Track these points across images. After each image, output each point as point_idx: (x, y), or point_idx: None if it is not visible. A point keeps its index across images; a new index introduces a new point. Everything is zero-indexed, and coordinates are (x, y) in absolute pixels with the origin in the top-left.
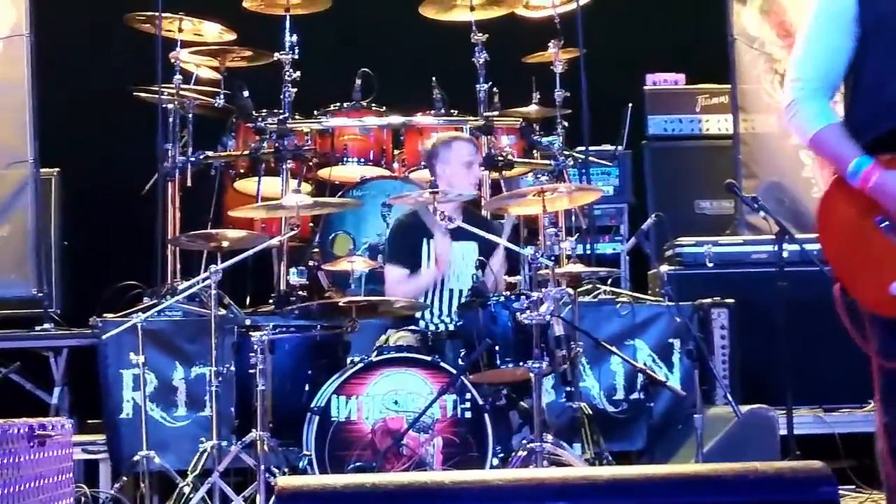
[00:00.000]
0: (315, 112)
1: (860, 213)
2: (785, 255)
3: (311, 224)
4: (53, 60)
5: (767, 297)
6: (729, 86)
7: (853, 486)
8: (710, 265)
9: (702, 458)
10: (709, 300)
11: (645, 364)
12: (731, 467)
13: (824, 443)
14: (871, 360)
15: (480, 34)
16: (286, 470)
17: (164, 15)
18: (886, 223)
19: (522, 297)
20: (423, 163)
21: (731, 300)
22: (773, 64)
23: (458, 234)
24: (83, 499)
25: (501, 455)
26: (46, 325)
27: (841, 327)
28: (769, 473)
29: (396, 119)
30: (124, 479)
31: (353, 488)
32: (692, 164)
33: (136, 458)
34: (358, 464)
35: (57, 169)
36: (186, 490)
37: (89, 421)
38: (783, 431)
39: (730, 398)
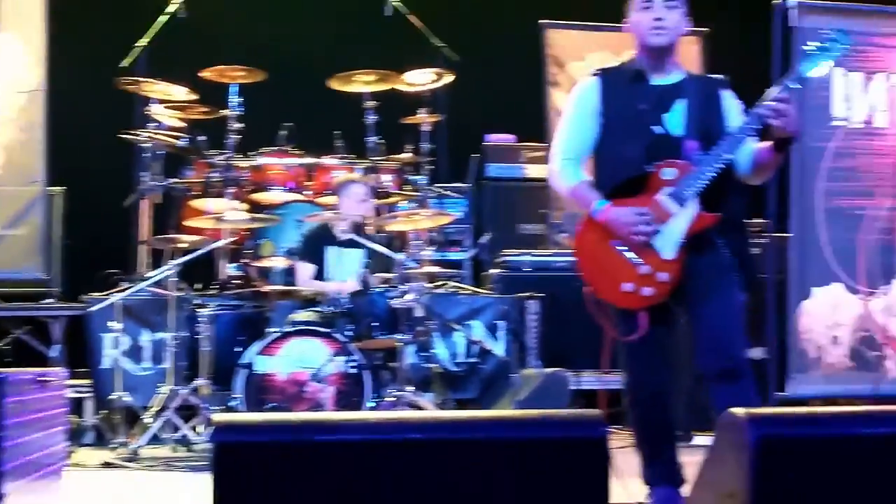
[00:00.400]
0: (251, 152)
1: (601, 238)
2: None
3: (245, 233)
4: (62, 107)
5: (566, 292)
6: (546, 144)
7: (621, 426)
8: (528, 270)
9: (516, 405)
10: (526, 294)
11: (479, 337)
12: (533, 412)
13: (604, 395)
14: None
15: (371, 101)
16: (221, 408)
17: (144, 80)
18: (618, 243)
19: (394, 288)
20: (330, 191)
21: (542, 294)
22: None
23: (350, 244)
24: (74, 426)
25: (376, 400)
26: (50, 300)
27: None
28: (559, 416)
29: (310, 160)
30: (103, 412)
31: (268, 421)
32: (517, 198)
33: (113, 397)
34: (273, 405)
35: (63, 187)
36: (148, 421)
37: (78, 370)
38: (574, 386)
39: (537, 363)
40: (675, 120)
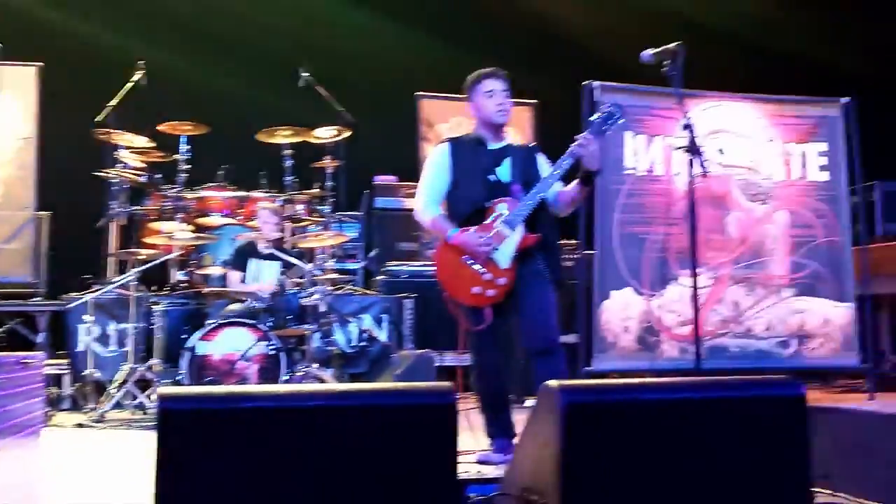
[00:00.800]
0: (196, 187)
1: (455, 255)
2: None
3: (191, 248)
4: (50, 151)
5: (433, 294)
6: (418, 183)
7: (471, 391)
8: (405, 277)
9: (395, 378)
10: (403, 294)
11: (368, 327)
12: (402, 384)
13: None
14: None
15: (289, 150)
16: (170, 382)
17: (114, 132)
18: (468, 258)
19: (304, 290)
20: (254, 217)
21: (416, 294)
22: None
23: (270, 256)
24: (53, 396)
25: (289, 375)
26: (37, 299)
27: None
28: (422, 388)
29: (241, 193)
30: (78, 384)
31: (203, 392)
32: (398, 224)
33: (86, 373)
34: (210, 379)
35: (49, 212)
36: (113, 391)
37: (59, 352)
38: (438, 363)
39: (411, 346)
40: (504, 172)
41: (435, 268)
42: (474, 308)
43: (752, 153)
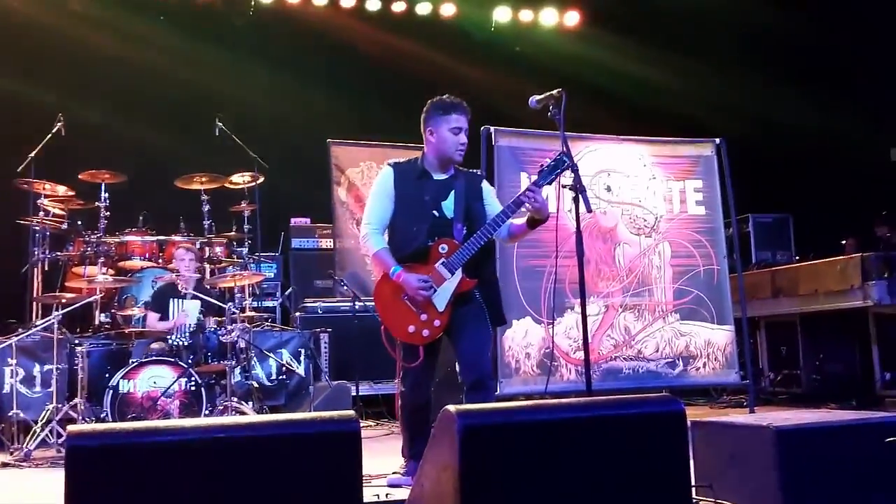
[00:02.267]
0: (117, 232)
1: (394, 292)
2: (358, 306)
3: (113, 290)
4: None
5: (348, 328)
6: (331, 224)
7: (386, 419)
8: (321, 312)
9: (312, 408)
10: (319, 329)
11: (286, 361)
12: (310, 414)
13: (374, 399)
14: (397, 363)
15: (206, 195)
16: (93, 419)
17: (35, 181)
18: (407, 297)
19: (224, 327)
20: (174, 260)
21: (330, 329)
22: (353, 215)
23: (190, 296)
24: None
25: (210, 409)
26: None
27: (371, 338)
28: (327, 417)
29: (161, 237)
30: (3, 425)
31: (108, 428)
32: (313, 262)
33: (10, 413)
34: (133, 415)
35: None
36: (38, 430)
37: None
38: (354, 393)
39: (327, 378)
40: (449, 206)
41: (374, 301)
42: (409, 345)
43: (636, 190)
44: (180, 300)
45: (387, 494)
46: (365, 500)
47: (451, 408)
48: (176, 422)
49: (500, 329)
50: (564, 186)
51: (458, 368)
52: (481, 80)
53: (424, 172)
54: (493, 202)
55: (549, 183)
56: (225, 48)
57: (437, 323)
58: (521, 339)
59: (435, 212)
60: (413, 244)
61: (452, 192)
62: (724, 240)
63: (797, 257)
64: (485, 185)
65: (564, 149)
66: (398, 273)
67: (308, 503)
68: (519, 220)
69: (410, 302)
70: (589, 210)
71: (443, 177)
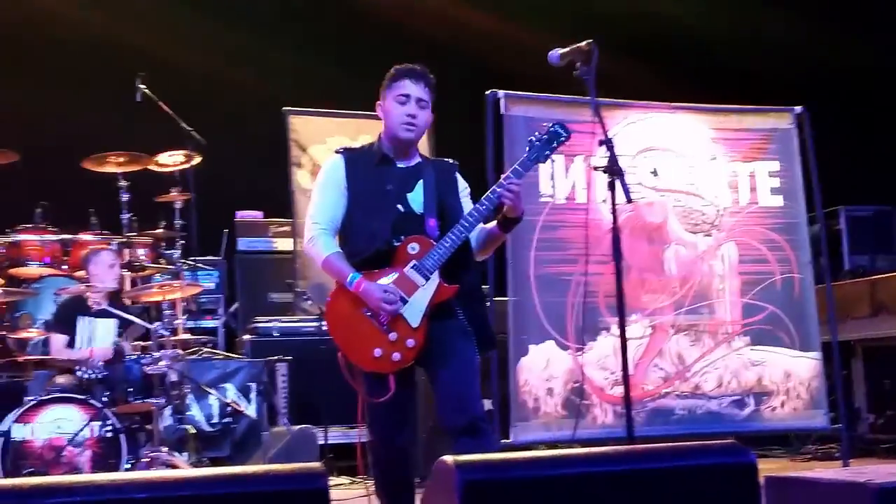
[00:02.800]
0: (7, 230)
1: (354, 306)
2: (325, 326)
3: (3, 306)
4: None
5: (313, 354)
6: (290, 219)
7: (365, 476)
8: (277, 335)
9: (267, 461)
10: (275, 357)
11: (232, 399)
12: (259, 468)
13: (350, 448)
14: (358, 401)
15: (124, 181)
16: None
17: None
18: (369, 312)
19: (149, 355)
20: (84, 265)
21: (290, 357)
22: None
23: (103, 314)
24: None
25: (132, 462)
26: None
27: None
28: (288, 471)
29: (65, 236)
30: None
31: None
32: (266, 269)
33: None
34: (31, 470)
35: None
36: None
37: None
38: (322, 441)
39: (286, 421)
40: (417, 199)
41: (326, 321)
42: (376, 375)
43: (691, 174)
44: (90, 318)
45: None
46: None
47: (449, 458)
48: (85, 478)
49: (513, 357)
50: (596, 169)
51: (437, 409)
52: (487, 31)
53: (385, 158)
54: (466, 201)
55: (543, 161)
56: None
57: (410, 343)
58: (542, 370)
59: (399, 205)
60: (373, 244)
61: (420, 182)
62: (807, 240)
63: None
64: (459, 178)
65: (596, 118)
66: (357, 281)
67: None
68: (490, 224)
69: (374, 318)
70: (629, 200)
71: (407, 164)
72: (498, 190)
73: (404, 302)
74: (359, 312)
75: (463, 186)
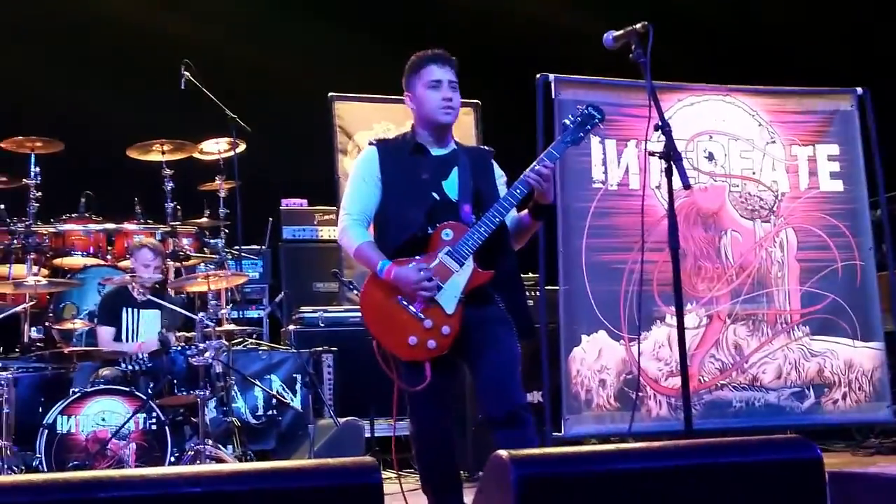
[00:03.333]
0: (52, 219)
1: (387, 295)
2: None
3: (47, 296)
4: None
5: (359, 345)
6: (335, 207)
7: (412, 469)
8: (322, 325)
9: (313, 455)
10: (321, 348)
11: (277, 391)
12: (310, 462)
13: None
14: (395, 390)
15: (169, 169)
16: (23, 468)
17: None
18: (404, 300)
19: (194, 346)
20: (128, 256)
21: (335, 348)
22: None
23: (148, 304)
24: None
25: (177, 455)
26: None
27: None
28: (339, 465)
29: (109, 225)
30: None
31: (53, 481)
32: (311, 258)
33: None
34: (75, 463)
35: None
36: None
37: None
38: (368, 434)
39: (332, 413)
40: (452, 186)
41: (361, 311)
42: (412, 363)
43: (748, 159)
44: (135, 310)
45: None
46: None
47: (504, 453)
48: (131, 472)
49: (565, 347)
50: (652, 154)
51: (478, 400)
52: (537, 13)
53: (418, 147)
54: (502, 189)
55: (577, 143)
56: None
57: (445, 330)
58: (594, 361)
59: (435, 193)
60: (408, 232)
61: (455, 169)
62: (869, 226)
63: None
64: (495, 165)
65: (651, 102)
66: (387, 268)
67: None
68: (522, 212)
69: (408, 305)
70: (687, 186)
71: (442, 151)
72: (530, 174)
73: (439, 288)
74: (393, 300)
75: (499, 174)
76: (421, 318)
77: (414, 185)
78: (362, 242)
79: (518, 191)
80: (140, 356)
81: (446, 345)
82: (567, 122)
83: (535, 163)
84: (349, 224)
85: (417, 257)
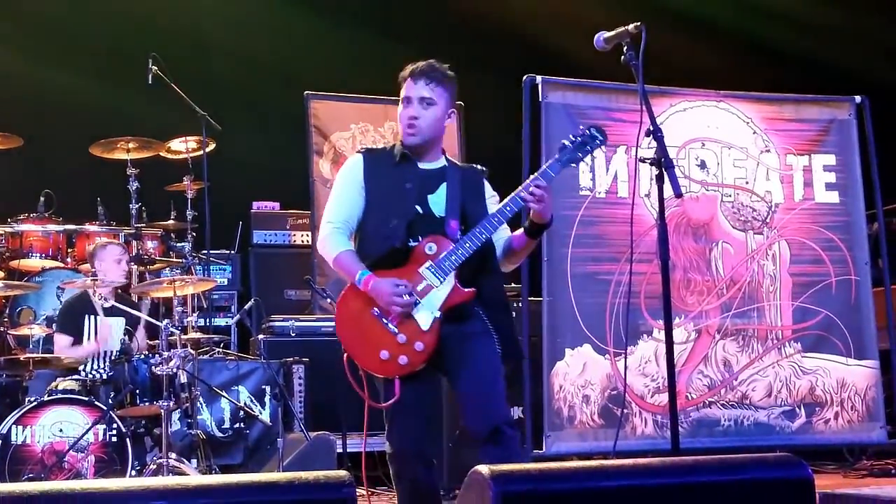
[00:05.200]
0: (9, 219)
1: (363, 307)
2: None
3: (3, 300)
4: None
5: (332, 356)
6: (309, 211)
7: (385, 487)
8: (294, 335)
9: (282, 469)
10: (291, 359)
11: (245, 403)
12: (280, 476)
13: (368, 457)
14: (365, 406)
15: (134, 168)
16: None
17: None
18: (378, 312)
19: (158, 355)
20: (89, 258)
21: (307, 359)
22: None
23: (111, 311)
24: None
25: (138, 468)
26: None
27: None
28: (311, 479)
29: (70, 226)
30: None
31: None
32: (283, 264)
33: None
34: (30, 476)
35: None
36: None
37: None
38: (340, 450)
39: (302, 427)
40: (438, 201)
41: (335, 320)
42: (383, 379)
43: (742, 168)
44: (96, 317)
45: None
46: None
47: (484, 469)
48: (99, 484)
49: (547, 361)
50: (643, 161)
51: (460, 417)
52: (524, 12)
53: (405, 157)
54: (492, 209)
55: (575, 164)
56: None
57: (419, 346)
58: (577, 375)
59: (419, 206)
60: (388, 243)
61: (444, 184)
62: (865, 239)
63: None
64: (487, 185)
65: (643, 106)
66: (366, 279)
67: None
68: (517, 231)
69: (383, 318)
70: (679, 195)
71: (431, 165)
72: (522, 193)
73: (416, 303)
74: (368, 313)
75: (490, 194)
76: (395, 332)
77: (397, 195)
78: (342, 251)
79: (508, 209)
80: (101, 363)
81: (419, 362)
82: (566, 142)
83: (528, 181)
84: (329, 232)
85: (399, 269)
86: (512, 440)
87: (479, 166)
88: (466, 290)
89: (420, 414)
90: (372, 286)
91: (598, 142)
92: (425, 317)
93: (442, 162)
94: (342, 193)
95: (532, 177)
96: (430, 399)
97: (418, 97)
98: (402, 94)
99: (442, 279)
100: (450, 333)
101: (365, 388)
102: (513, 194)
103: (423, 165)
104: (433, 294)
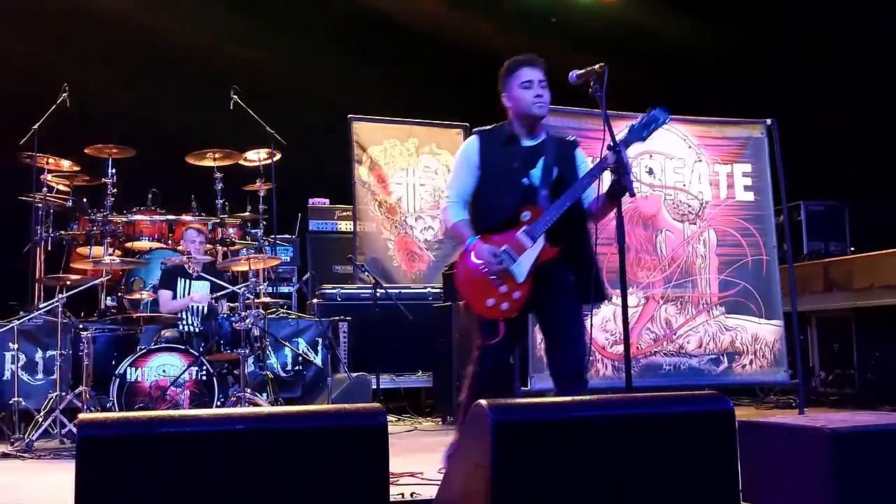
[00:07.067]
0: (125, 211)
1: (475, 265)
2: (379, 293)
3: (120, 272)
4: None
5: (369, 316)
6: (351, 206)
7: (409, 414)
8: (340, 299)
9: (331, 401)
10: (338, 318)
11: (303, 351)
12: (332, 407)
13: (396, 392)
14: (472, 344)
15: (219, 173)
16: (99, 408)
17: (39, 154)
18: (485, 269)
19: (236, 314)
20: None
21: (350, 318)
22: (375, 196)
23: (198, 278)
24: None
25: (222, 400)
26: None
27: (393, 328)
28: (352, 410)
29: (171, 217)
30: (3, 414)
31: (120, 417)
32: (332, 246)
33: (11, 401)
34: (140, 405)
35: None
36: (40, 420)
37: None
38: (375, 386)
39: (346, 370)
40: (537, 174)
41: (455, 276)
42: (488, 320)
43: (681, 174)
44: (188, 280)
45: (412, 494)
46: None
47: (484, 402)
48: (193, 412)
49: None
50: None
51: (547, 354)
52: (515, 52)
53: (512, 138)
54: (586, 171)
55: (642, 140)
56: (243, 12)
57: (516, 295)
58: None
59: (524, 180)
60: (501, 214)
61: (542, 158)
62: (773, 228)
63: (852, 248)
64: (579, 152)
65: (606, 128)
66: (473, 244)
67: (331, 501)
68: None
69: (489, 273)
70: (632, 194)
71: (532, 143)
72: (600, 164)
73: (513, 261)
74: (478, 270)
75: (581, 160)
76: (497, 284)
77: (506, 173)
78: (458, 220)
79: (586, 180)
80: (194, 320)
81: (516, 308)
82: (633, 122)
83: (604, 156)
84: (448, 205)
85: (503, 234)
86: (587, 384)
87: (571, 137)
88: (553, 247)
89: (507, 350)
90: (478, 250)
91: (661, 121)
92: (521, 271)
93: (542, 137)
94: (459, 174)
95: (612, 144)
96: (515, 342)
97: (538, 79)
98: (522, 79)
99: (534, 241)
100: (542, 285)
101: (477, 328)
102: (592, 167)
103: (525, 143)
104: (527, 253)
